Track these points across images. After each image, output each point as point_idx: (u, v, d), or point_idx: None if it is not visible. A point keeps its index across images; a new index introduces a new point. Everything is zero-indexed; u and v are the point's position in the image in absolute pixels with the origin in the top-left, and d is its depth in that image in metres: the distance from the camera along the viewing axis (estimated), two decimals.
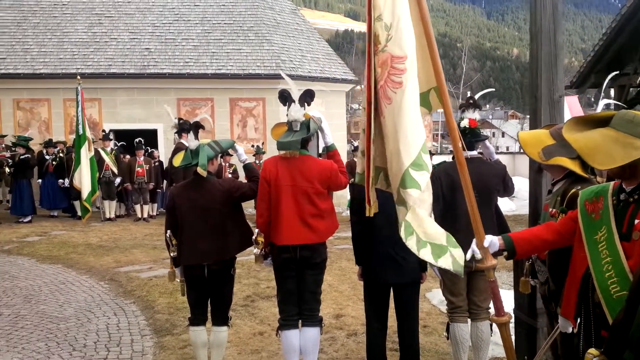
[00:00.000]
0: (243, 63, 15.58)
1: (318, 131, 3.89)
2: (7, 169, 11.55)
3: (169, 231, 3.95)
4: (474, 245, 2.64)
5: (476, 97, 3.92)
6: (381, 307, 3.77)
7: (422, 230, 2.68)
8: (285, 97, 3.84)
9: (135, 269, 7.40)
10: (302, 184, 3.70)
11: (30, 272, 7.05)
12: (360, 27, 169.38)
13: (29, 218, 11.35)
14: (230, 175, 12.32)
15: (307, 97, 3.81)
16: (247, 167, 4.11)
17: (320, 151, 12.83)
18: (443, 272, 3.87)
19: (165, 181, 13.64)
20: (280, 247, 3.73)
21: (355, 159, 13.51)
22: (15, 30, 15.59)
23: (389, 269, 3.61)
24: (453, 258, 2.69)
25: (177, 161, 4.03)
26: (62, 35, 15.67)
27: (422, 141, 2.68)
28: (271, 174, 3.75)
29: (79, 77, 11.80)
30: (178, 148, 8.20)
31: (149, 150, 13.45)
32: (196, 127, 4.02)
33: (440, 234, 2.70)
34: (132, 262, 7.83)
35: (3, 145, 12.96)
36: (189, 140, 4.01)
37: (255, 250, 3.77)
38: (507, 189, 3.95)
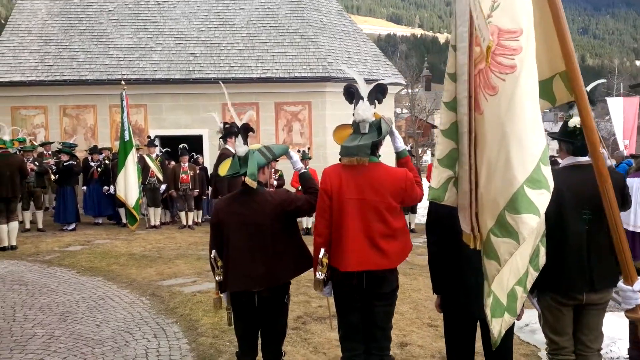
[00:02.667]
0: (289, 66, 15.18)
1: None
2: (52, 176, 11.42)
3: (213, 251, 3.41)
4: (622, 286, 1.96)
5: (587, 89, 3.21)
6: (465, 345, 3.12)
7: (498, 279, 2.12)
8: (351, 94, 3.24)
9: (178, 283, 6.96)
10: (371, 198, 3.08)
11: (69, 286, 6.70)
12: (404, 30, 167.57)
13: (72, 226, 11.17)
14: (275, 183, 11.84)
15: (379, 92, 3.20)
16: (303, 177, 3.53)
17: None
18: (544, 305, 3.18)
19: (210, 188, 13.34)
20: (344, 273, 3.13)
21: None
22: (63, 37, 15.65)
23: (477, 301, 2.95)
24: (501, 326, 2.16)
25: (224, 170, 3.48)
26: (107, 42, 15.64)
27: (541, 148, 1.99)
28: (333, 185, 3.15)
29: (123, 82, 11.63)
30: (223, 154, 7.72)
31: (194, 157, 13.18)
32: (245, 130, 3.46)
33: (504, 288, 2.15)
34: (175, 275, 7.40)
35: (50, 152, 12.93)
36: (237, 146, 3.44)
37: (318, 274, 3.17)
38: (626, 203, 3.22)
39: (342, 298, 3.23)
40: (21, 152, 10.93)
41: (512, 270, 2.13)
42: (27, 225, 10.93)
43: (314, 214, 3.30)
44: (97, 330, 5.12)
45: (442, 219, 3.03)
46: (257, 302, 3.29)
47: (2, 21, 17.30)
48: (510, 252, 2.04)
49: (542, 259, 2.29)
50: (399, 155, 3.36)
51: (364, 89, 3.19)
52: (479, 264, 2.68)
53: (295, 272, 3.40)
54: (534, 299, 3.19)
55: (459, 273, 3.00)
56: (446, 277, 3.09)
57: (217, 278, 3.40)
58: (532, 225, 1.99)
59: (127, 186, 10.67)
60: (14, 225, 9.00)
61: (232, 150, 7.72)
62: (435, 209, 3.08)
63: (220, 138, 8.47)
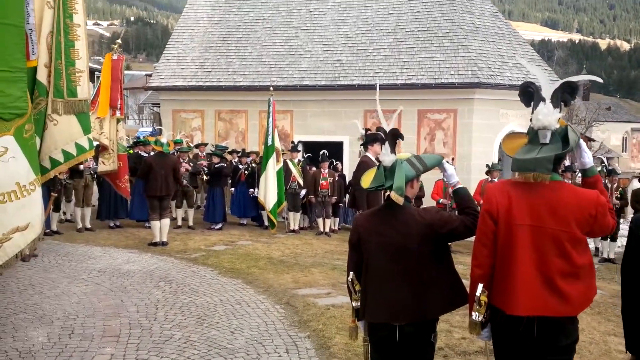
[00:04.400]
0: (435, 72, 14.51)
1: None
2: (204, 177, 12.05)
3: (351, 273, 3.01)
4: None
5: None
6: None
7: None
8: (529, 94, 2.62)
9: (312, 293, 6.74)
10: (550, 225, 2.45)
11: (210, 287, 6.80)
12: (560, 36, 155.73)
13: (219, 225, 11.63)
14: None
15: (566, 92, 2.55)
16: (459, 194, 2.99)
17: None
18: None
19: (348, 195, 13.17)
20: (510, 317, 2.53)
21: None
22: (221, 44, 16.60)
23: None
24: None
25: (367, 181, 3.06)
26: (261, 49, 16.27)
27: None
28: (500, 206, 2.56)
29: (271, 88, 11.93)
30: (362, 162, 7.37)
31: (333, 163, 13.11)
32: (393, 137, 3.01)
33: None
34: (310, 284, 7.20)
35: (204, 154, 13.71)
36: (383, 154, 2.99)
37: (474, 315, 2.62)
38: None
39: (504, 347, 2.62)
40: (178, 152, 11.68)
41: None
42: (179, 222, 11.61)
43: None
44: (231, 337, 5.02)
45: None
46: (399, 337, 2.82)
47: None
48: None
49: None
50: (585, 173, 2.69)
51: (547, 89, 2.56)
52: None
53: (446, 307, 2.87)
54: None
55: None
56: None
57: (354, 304, 2.99)
58: None
59: (267, 190, 10.88)
60: (166, 222, 9.54)
61: (372, 158, 7.40)
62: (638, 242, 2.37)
63: (361, 145, 8.19)
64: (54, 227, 9.95)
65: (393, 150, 2.98)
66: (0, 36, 4.24)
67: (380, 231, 2.91)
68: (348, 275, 3.03)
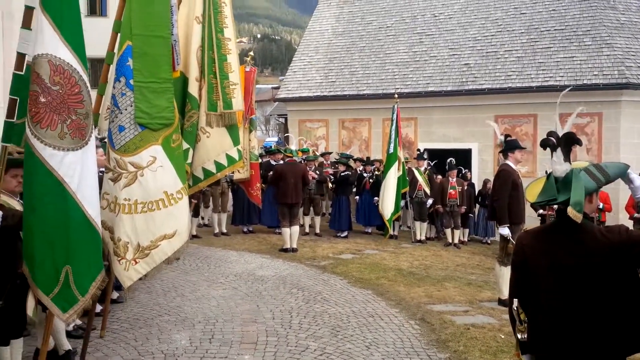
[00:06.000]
0: (576, 73, 13.36)
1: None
2: (330, 185, 12.12)
3: (515, 300, 2.67)
4: None
5: None
6: None
7: None
8: None
9: (448, 310, 6.37)
10: None
11: (341, 296, 6.70)
12: None
13: (345, 233, 11.61)
14: None
15: None
16: None
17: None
18: None
19: (478, 206, 12.52)
20: None
21: None
22: (345, 54, 16.72)
23: None
24: None
25: (533, 193, 2.72)
26: (384, 57, 16.12)
27: None
28: None
29: (396, 95, 11.73)
30: (502, 171, 6.86)
31: (463, 171, 12.53)
32: (567, 142, 2.63)
33: None
34: (444, 300, 6.83)
35: (329, 162, 13.83)
36: (554, 163, 2.62)
37: None
38: None
39: None
40: (305, 161, 11.87)
41: None
42: (307, 229, 11.76)
43: None
44: (366, 353, 4.84)
45: None
46: None
47: (296, 47, 19.72)
48: None
49: None
50: None
51: None
52: None
53: (638, 346, 2.43)
54: None
55: None
56: None
57: (519, 336, 2.63)
58: None
59: (385, 198, 10.73)
60: (296, 229, 9.68)
61: (513, 167, 6.85)
62: None
63: (500, 152, 7.63)
64: (194, 232, 10.54)
65: (567, 158, 2.61)
66: (150, 48, 4.45)
67: (553, 253, 2.54)
68: (511, 303, 2.68)
